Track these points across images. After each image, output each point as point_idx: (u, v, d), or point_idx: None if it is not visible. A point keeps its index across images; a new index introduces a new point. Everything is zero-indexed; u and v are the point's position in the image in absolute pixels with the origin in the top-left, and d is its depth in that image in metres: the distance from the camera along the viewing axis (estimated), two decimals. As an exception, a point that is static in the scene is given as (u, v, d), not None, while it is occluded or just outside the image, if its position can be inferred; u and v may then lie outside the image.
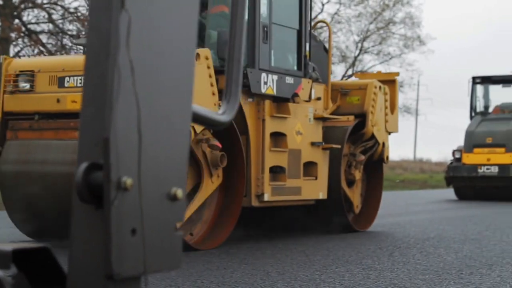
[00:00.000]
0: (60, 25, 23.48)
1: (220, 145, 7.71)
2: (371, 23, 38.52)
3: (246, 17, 1.88)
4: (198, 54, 7.24)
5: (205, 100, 7.27)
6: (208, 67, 7.41)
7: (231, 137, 7.83)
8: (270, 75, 8.34)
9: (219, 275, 6.03)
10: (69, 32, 23.39)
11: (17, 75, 7.88)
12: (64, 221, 6.21)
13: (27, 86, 7.84)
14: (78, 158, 1.71)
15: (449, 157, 21.38)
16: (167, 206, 1.77)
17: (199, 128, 7.37)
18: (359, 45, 38.39)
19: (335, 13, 37.28)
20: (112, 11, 1.65)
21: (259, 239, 8.56)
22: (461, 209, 15.37)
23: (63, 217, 6.11)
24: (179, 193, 1.78)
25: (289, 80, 8.62)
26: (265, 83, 8.28)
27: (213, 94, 7.44)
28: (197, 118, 1.87)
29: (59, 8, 23.70)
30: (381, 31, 38.75)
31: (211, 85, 7.43)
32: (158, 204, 1.75)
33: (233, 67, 2.00)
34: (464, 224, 11.42)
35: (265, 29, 8.26)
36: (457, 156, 19.46)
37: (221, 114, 1.99)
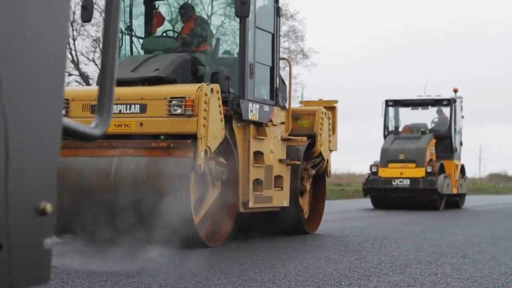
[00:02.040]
0: None
1: (225, 162, 9.36)
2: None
3: (119, 31, 1.88)
4: (212, 89, 9.03)
5: (217, 125, 9.08)
6: (218, 99, 9.14)
7: (228, 155, 9.50)
8: (254, 104, 10.11)
9: (99, 288, 5.96)
10: None
11: None
12: (91, 222, 8.70)
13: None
14: None
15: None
16: (36, 220, 1.74)
17: (212, 148, 8.99)
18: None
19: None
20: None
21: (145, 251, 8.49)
22: (343, 221, 15.64)
23: (90, 219, 8.76)
24: (49, 207, 1.76)
25: (266, 108, 10.49)
26: (251, 111, 10.03)
27: (221, 120, 9.20)
28: (68, 132, 1.85)
29: None
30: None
31: (220, 113, 9.17)
32: (26, 219, 1.72)
33: (106, 81, 1.99)
34: (344, 235, 11.64)
35: (251, 66, 10.06)
36: (374, 170, 21.99)
37: (94, 127, 1.97)
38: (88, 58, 33.10)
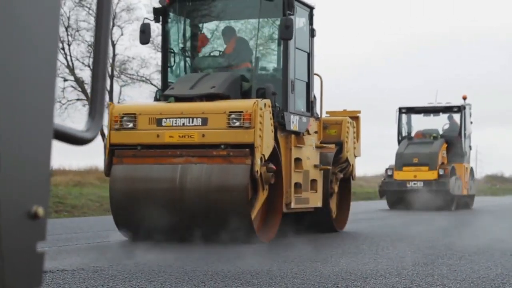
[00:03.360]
0: None
1: (275, 168, 10.46)
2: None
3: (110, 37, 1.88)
4: (265, 104, 10.24)
5: (269, 135, 10.28)
6: (270, 112, 10.33)
7: (274, 161, 10.50)
8: (295, 116, 11.30)
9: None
10: None
11: (122, 117, 10.45)
12: (162, 224, 9.80)
13: (130, 125, 10.41)
14: None
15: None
16: (28, 224, 1.74)
17: (266, 156, 10.14)
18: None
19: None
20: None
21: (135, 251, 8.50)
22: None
23: (161, 222, 9.75)
24: (41, 211, 1.75)
25: (304, 119, 11.70)
26: (293, 122, 11.21)
27: (272, 131, 10.39)
28: (59, 136, 1.85)
29: None
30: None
31: (271, 124, 10.37)
32: (18, 223, 1.71)
33: (98, 84, 1.98)
34: (341, 238, 11.64)
35: (292, 83, 11.30)
36: (389, 173, 24.00)
37: (85, 131, 1.96)
38: (83, 63, 33.02)
